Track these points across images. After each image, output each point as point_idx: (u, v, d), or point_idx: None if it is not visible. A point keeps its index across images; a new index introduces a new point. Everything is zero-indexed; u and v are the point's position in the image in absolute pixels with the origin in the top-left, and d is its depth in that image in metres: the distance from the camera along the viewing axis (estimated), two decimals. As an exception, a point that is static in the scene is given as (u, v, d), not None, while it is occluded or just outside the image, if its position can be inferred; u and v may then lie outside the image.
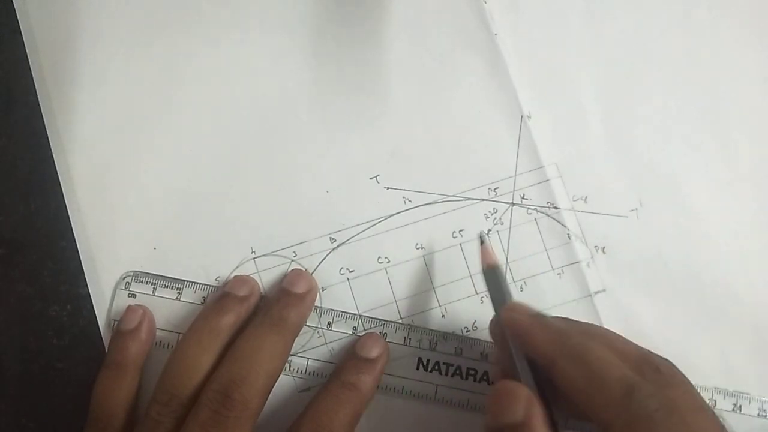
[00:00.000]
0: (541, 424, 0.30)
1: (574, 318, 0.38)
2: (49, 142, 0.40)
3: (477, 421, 0.38)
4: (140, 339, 0.38)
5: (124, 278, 0.39)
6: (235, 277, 0.39)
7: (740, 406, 0.38)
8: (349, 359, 0.38)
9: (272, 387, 0.36)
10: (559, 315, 0.38)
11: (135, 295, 0.39)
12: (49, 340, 0.39)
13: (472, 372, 0.38)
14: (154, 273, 0.39)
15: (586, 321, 0.38)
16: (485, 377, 0.38)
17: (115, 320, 0.39)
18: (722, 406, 0.38)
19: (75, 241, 0.39)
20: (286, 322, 0.37)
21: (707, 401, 0.38)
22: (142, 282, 0.39)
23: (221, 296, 0.38)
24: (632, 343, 0.33)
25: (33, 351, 0.39)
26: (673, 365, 0.32)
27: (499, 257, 0.40)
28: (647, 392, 0.28)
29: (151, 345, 0.38)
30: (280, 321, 0.36)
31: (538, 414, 0.30)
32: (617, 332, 0.38)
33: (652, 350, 0.38)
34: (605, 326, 0.39)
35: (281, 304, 0.37)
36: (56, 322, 0.39)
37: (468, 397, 0.38)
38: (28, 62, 0.40)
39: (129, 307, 0.38)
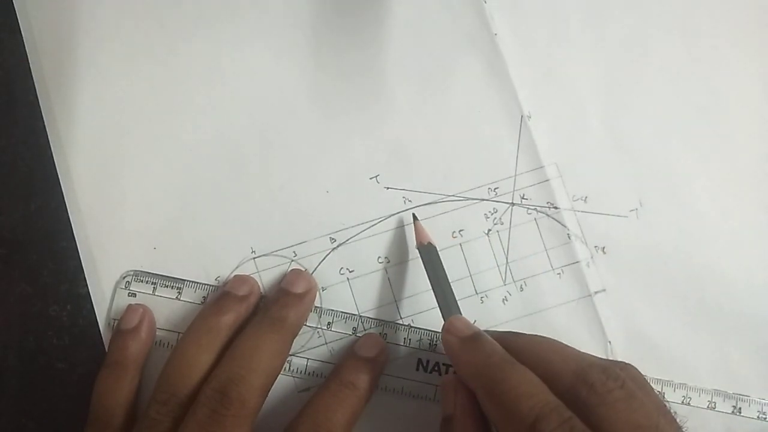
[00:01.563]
0: (466, 416, 0.33)
1: (573, 318, 0.39)
2: (49, 142, 0.40)
3: None
4: (140, 338, 0.38)
5: (125, 278, 0.39)
6: (234, 276, 0.39)
7: (740, 409, 0.38)
8: (348, 359, 0.38)
9: (271, 386, 0.36)
10: (559, 315, 0.39)
11: (135, 295, 0.39)
12: (49, 340, 0.39)
13: (473, 372, 0.39)
14: (155, 272, 0.39)
15: (591, 319, 0.39)
16: None
17: (115, 320, 0.39)
18: (722, 408, 0.38)
19: (75, 241, 0.39)
20: (285, 321, 0.37)
21: (706, 404, 0.38)
22: (142, 281, 0.39)
23: (221, 296, 0.38)
24: (575, 358, 0.32)
25: (33, 351, 0.39)
26: (619, 376, 0.30)
27: (500, 257, 0.40)
28: (555, 423, 0.28)
29: (152, 344, 0.38)
30: (279, 321, 0.36)
31: (462, 408, 0.33)
32: (617, 332, 0.38)
33: (651, 349, 0.39)
34: (605, 326, 0.39)
35: (280, 303, 0.37)
36: (56, 322, 0.39)
37: (468, 398, 0.38)
38: (28, 62, 0.40)
39: (129, 307, 0.38)
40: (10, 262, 0.40)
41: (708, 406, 0.38)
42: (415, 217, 0.39)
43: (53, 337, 0.39)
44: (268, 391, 0.35)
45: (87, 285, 0.39)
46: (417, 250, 0.39)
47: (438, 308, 0.37)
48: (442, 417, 0.34)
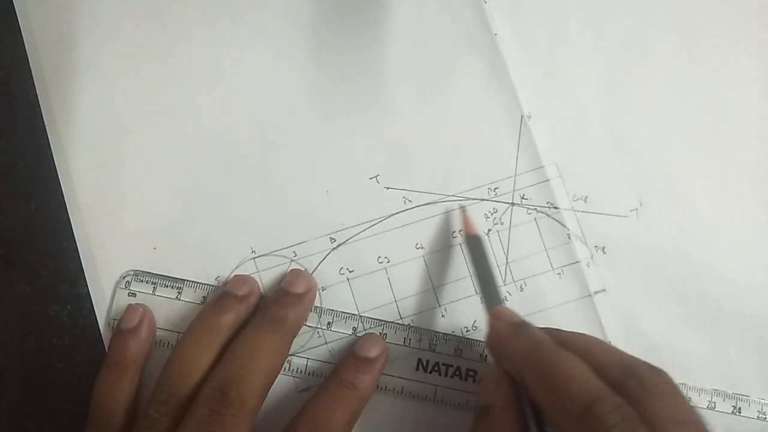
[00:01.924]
0: (506, 408, 0.32)
1: (573, 318, 0.39)
2: (49, 142, 0.40)
3: None
4: (140, 338, 0.38)
5: (125, 277, 0.39)
6: (234, 276, 0.39)
7: (740, 409, 0.38)
8: (348, 359, 0.38)
9: (270, 386, 0.36)
10: (559, 315, 0.39)
11: (135, 295, 0.39)
12: (49, 340, 0.39)
13: (472, 373, 0.38)
14: (155, 272, 0.39)
15: (591, 319, 0.38)
16: None
17: (115, 319, 0.39)
18: (721, 409, 0.38)
19: (75, 240, 0.39)
20: (285, 321, 0.37)
21: (706, 404, 0.38)
22: (142, 281, 0.39)
23: (221, 295, 0.38)
24: (619, 353, 0.32)
25: (33, 351, 0.39)
26: (662, 374, 0.31)
27: (500, 257, 0.40)
28: (611, 407, 0.28)
29: (152, 344, 0.38)
30: (278, 320, 0.37)
31: (504, 399, 0.32)
32: (617, 332, 0.38)
33: (651, 349, 0.39)
34: (605, 326, 0.39)
35: (280, 303, 0.37)
36: (56, 322, 0.39)
37: (467, 399, 0.38)
38: (28, 62, 0.40)
39: (129, 306, 0.38)
40: (10, 262, 0.40)
41: (708, 406, 0.38)
42: (463, 209, 0.39)
43: (53, 337, 0.39)
44: (268, 390, 0.35)
45: (87, 285, 0.39)
46: (420, 249, 0.39)
47: (481, 300, 0.38)
48: (477, 407, 0.34)
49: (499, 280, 0.38)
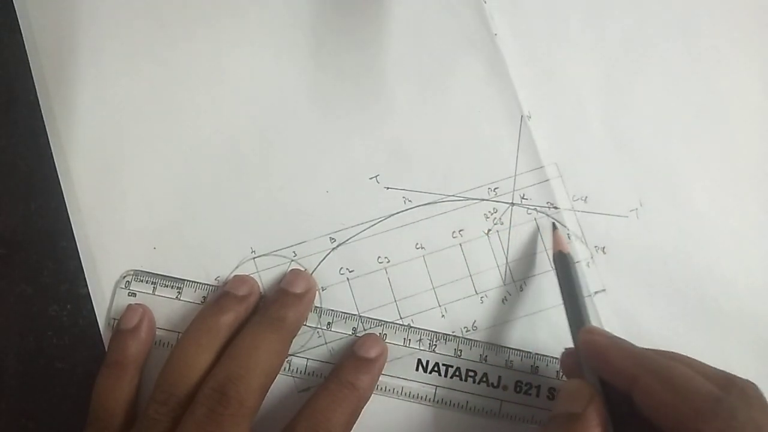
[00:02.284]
0: (598, 419, 0.32)
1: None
2: (49, 142, 0.40)
3: (476, 423, 0.38)
4: (140, 338, 0.38)
5: (125, 277, 0.39)
6: (234, 276, 0.39)
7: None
8: (347, 359, 0.38)
9: (269, 386, 0.36)
10: (559, 315, 0.39)
11: (135, 294, 0.39)
12: (49, 340, 0.39)
13: (472, 374, 0.38)
14: (155, 272, 0.39)
15: (591, 319, 0.38)
16: (484, 379, 0.38)
17: (115, 319, 0.39)
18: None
19: (75, 240, 0.39)
20: (284, 321, 0.37)
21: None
22: (142, 281, 0.39)
23: (220, 295, 0.38)
24: (713, 367, 0.32)
25: (33, 351, 0.39)
26: (757, 388, 0.31)
27: (500, 257, 0.40)
28: (736, 404, 0.29)
29: (151, 344, 0.38)
30: (277, 320, 0.37)
31: (596, 410, 0.32)
32: (617, 332, 0.38)
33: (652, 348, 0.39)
34: (605, 326, 0.39)
35: (279, 303, 0.37)
36: (56, 322, 0.39)
37: (467, 399, 0.38)
38: (28, 62, 0.40)
39: (129, 306, 0.38)
40: (10, 262, 0.40)
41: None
42: (554, 226, 0.40)
43: (53, 337, 0.39)
44: (267, 390, 0.36)
45: (87, 285, 0.39)
46: (420, 249, 0.39)
47: (567, 321, 0.37)
48: (558, 414, 0.33)
49: (584, 299, 0.37)
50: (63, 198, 0.40)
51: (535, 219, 0.40)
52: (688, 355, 0.33)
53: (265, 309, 0.37)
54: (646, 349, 0.33)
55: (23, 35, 0.41)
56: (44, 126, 0.40)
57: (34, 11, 0.41)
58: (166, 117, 0.40)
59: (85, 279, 0.39)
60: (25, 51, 0.41)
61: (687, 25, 0.42)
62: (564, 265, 0.38)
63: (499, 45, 0.41)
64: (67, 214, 0.39)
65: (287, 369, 0.39)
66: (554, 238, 0.39)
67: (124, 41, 0.41)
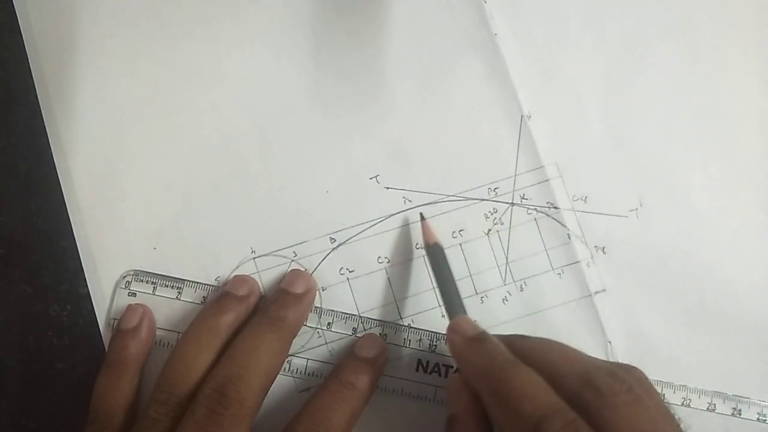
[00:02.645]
0: (469, 419, 0.33)
1: (573, 318, 0.39)
2: (49, 142, 0.40)
3: None
4: (140, 338, 0.38)
5: (125, 277, 0.39)
6: (234, 276, 0.39)
7: (740, 410, 0.38)
8: (347, 359, 0.38)
9: (269, 386, 0.36)
10: (559, 315, 0.39)
11: (135, 294, 0.39)
12: (49, 340, 0.39)
13: (472, 373, 0.39)
14: (155, 272, 0.39)
15: (591, 319, 0.39)
16: None
17: (115, 319, 0.39)
18: (722, 410, 0.38)
19: (75, 240, 0.39)
20: (284, 321, 0.37)
21: (706, 405, 0.38)
22: (142, 281, 0.39)
23: (220, 296, 0.38)
24: (581, 360, 0.32)
25: (33, 351, 0.39)
26: (625, 381, 0.30)
27: (500, 257, 0.40)
28: (559, 424, 0.28)
29: (152, 344, 0.38)
30: (277, 321, 0.37)
31: (465, 409, 0.33)
32: (617, 332, 0.38)
33: (651, 349, 0.39)
34: (605, 326, 0.39)
35: (279, 303, 0.37)
36: (56, 322, 0.39)
37: (468, 399, 0.38)
38: (28, 62, 0.40)
39: (129, 306, 0.38)
40: (10, 262, 0.40)
41: (708, 408, 0.38)
42: (422, 216, 0.39)
43: (53, 337, 0.39)
44: (267, 391, 0.36)
45: (87, 285, 0.39)
46: (420, 249, 0.39)
47: (443, 308, 0.37)
48: (447, 416, 0.34)
49: (459, 289, 0.38)
50: (63, 198, 0.40)
51: (535, 219, 0.40)
52: (562, 345, 0.33)
53: (265, 309, 0.37)
54: (514, 339, 0.34)
55: (23, 35, 0.41)
56: (44, 126, 0.40)
57: (34, 11, 0.41)
58: (166, 117, 0.40)
59: (85, 279, 0.39)
60: (25, 51, 0.40)
61: (687, 25, 0.42)
62: (435, 256, 0.38)
63: (499, 45, 0.41)
64: (67, 214, 0.39)
65: (287, 369, 0.39)
66: (423, 229, 0.39)
67: (124, 41, 0.41)
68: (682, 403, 0.38)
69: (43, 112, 0.40)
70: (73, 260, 0.39)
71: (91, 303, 0.39)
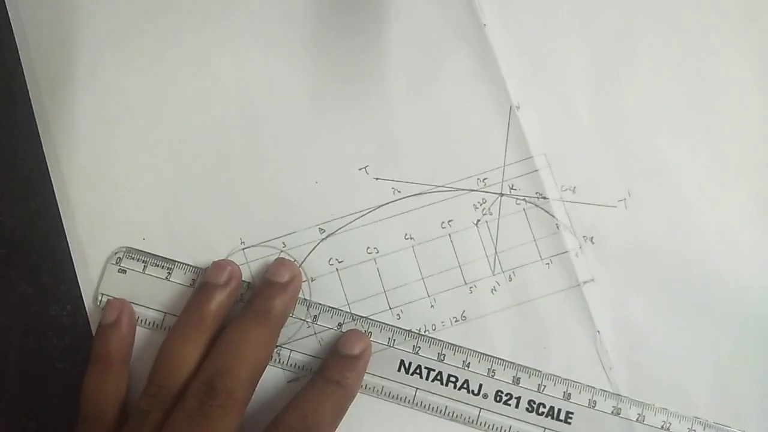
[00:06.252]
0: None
1: (562, 308, 0.39)
2: (39, 133, 0.40)
3: (453, 428, 0.38)
4: (121, 331, 0.38)
5: (116, 253, 0.39)
6: (212, 264, 0.39)
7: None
8: (332, 357, 0.38)
9: (258, 378, 0.36)
10: (547, 305, 0.39)
11: (125, 271, 0.39)
12: (49, 340, 0.39)
13: (453, 379, 0.38)
14: (147, 251, 0.39)
15: (580, 309, 0.39)
16: (465, 385, 0.38)
17: (103, 294, 0.39)
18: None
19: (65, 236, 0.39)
20: (270, 312, 0.37)
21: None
22: (133, 259, 0.39)
23: (201, 286, 0.38)
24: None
25: (33, 351, 0.39)
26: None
27: (489, 247, 0.40)
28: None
29: (133, 337, 0.38)
30: (263, 312, 0.37)
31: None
32: (606, 322, 0.38)
33: (639, 339, 0.39)
34: (594, 316, 0.39)
35: (264, 295, 0.38)
36: (56, 322, 0.39)
37: (446, 404, 0.38)
38: (18, 55, 0.40)
39: (108, 301, 0.38)
40: (10, 262, 0.39)
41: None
42: None
43: (53, 337, 0.39)
44: (256, 382, 0.36)
45: (76, 274, 0.39)
46: (409, 240, 0.39)
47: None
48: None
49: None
50: (53, 190, 0.40)
51: (524, 209, 0.40)
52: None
53: (250, 301, 0.38)
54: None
55: (13, 28, 0.41)
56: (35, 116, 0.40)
57: (26, 8, 0.41)
58: (155, 108, 0.40)
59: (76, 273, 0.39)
60: (16, 44, 0.41)
61: (676, 16, 0.42)
62: None
63: (488, 36, 0.41)
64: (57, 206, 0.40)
65: (276, 360, 0.39)
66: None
67: (115, 32, 0.41)
68: (662, 427, 0.38)
69: (32, 101, 0.40)
70: (73, 260, 0.39)
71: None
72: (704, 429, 0.38)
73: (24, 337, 0.39)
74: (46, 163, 0.40)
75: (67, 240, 0.39)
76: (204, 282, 0.38)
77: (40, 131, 0.40)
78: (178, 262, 0.39)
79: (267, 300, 0.37)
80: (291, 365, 0.39)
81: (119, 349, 0.38)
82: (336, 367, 0.37)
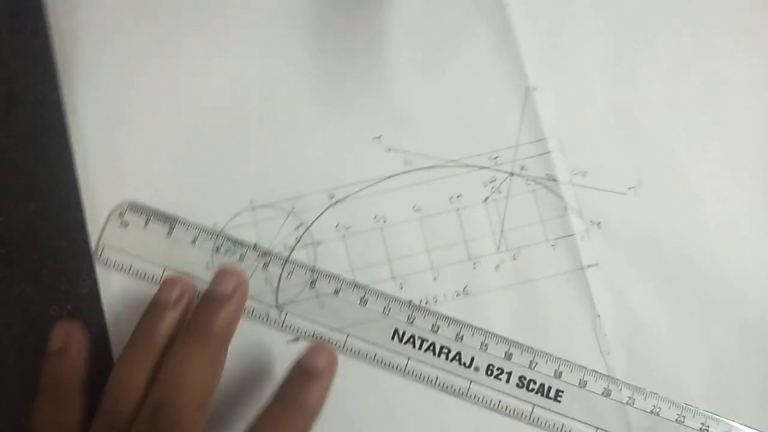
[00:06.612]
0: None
1: (564, 290, 0.39)
2: (60, 95, 0.40)
3: (441, 399, 0.39)
4: (70, 357, 0.36)
5: (120, 207, 0.39)
6: (163, 280, 0.36)
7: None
8: (293, 372, 0.34)
9: (209, 400, 0.33)
10: (550, 286, 0.39)
11: (128, 225, 0.39)
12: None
13: (445, 350, 0.38)
14: (151, 206, 0.39)
15: (582, 292, 0.39)
16: (457, 357, 0.38)
17: (105, 246, 0.39)
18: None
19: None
20: (213, 330, 0.34)
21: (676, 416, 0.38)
22: (136, 213, 0.39)
23: (151, 304, 0.36)
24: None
25: (33, 351, 0.38)
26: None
27: (495, 225, 0.40)
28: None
29: (85, 362, 0.36)
30: (205, 331, 0.34)
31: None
32: (607, 307, 0.38)
33: (639, 326, 0.39)
34: (595, 300, 0.39)
35: (205, 311, 0.35)
36: (56, 322, 0.38)
37: (437, 375, 0.38)
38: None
39: (55, 327, 0.36)
40: (10, 262, 0.39)
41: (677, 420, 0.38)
42: None
43: None
44: (208, 405, 0.33)
45: (89, 244, 0.39)
46: (417, 212, 0.40)
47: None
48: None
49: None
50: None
51: (533, 190, 0.40)
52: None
53: (192, 318, 0.35)
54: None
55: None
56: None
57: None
58: (174, 65, 0.41)
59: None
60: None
61: (695, 10, 0.42)
62: None
63: (510, 16, 0.41)
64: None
65: (276, 321, 0.39)
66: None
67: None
68: (652, 411, 0.38)
69: (55, 49, 0.40)
70: (74, 260, 0.39)
71: (91, 303, 0.39)
72: (693, 416, 0.38)
73: (24, 337, 0.39)
74: (46, 163, 0.40)
75: (81, 199, 0.39)
76: (154, 300, 0.36)
77: (60, 80, 0.40)
78: (181, 218, 0.39)
79: (209, 317, 0.34)
80: (290, 327, 0.39)
81: (69, 377, 0.35)
82: (297, 385, 0.33)
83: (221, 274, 0.36)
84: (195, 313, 0.35)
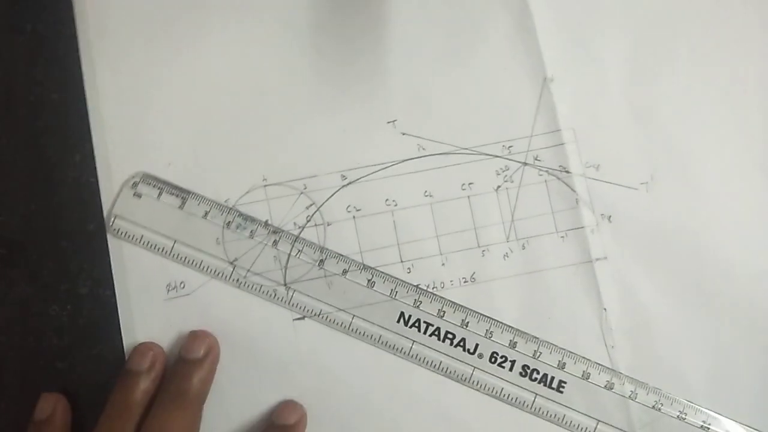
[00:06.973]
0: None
1: (572, 282, 0.39)
2: (81, 72, 0.40)
3: (444, 383, 0.39)
4: (55, 426, 0.37)
5: (133, 177, 0.39)
6: (134, 349, 0.38)
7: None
8: (266, 429, 0.37)
9: None
10: (558, 277, 0.39)
11: (140, 196, 0.39)
12: (49, 340, 0.39)
13: (450, 336, 0.39)
14: (164, 179, 0.40)
15: (589, 284, 0.39)
16: (461, 343, 0.39)
17: (116, 216, 0.39)
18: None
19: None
20: (188, 393, 0.36)
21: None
22: (149, 185, 0.39)
23: (124, 375, 0.37)
24: None
25: (33, 351, 0.39)
26: None
27: (506, 214, 0.40)
28: None
29: (68, 429, 0.37)
30: (181, 394, 0.36)
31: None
32: (614, 301, 0.38)
33: (645, 321, 0.39)
34: (602, 293, 0.39)
35: (179, 375, 0.37)
36: (56, 322, 0.39)
37: (441, 359, 0.39)
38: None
39: (42, 396, 0.37)
40: (10, 262, 0.39)
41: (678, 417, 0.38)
42: None
43: (53, 337, 0.39)
44: None
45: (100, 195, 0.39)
46: (428, 197, 0.40)
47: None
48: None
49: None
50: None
51: (545, 181, 0.40)
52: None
53: (167, 383, 0.37)
54: None
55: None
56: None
57: None
58: (194, 44, 0.41)
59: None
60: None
61: (716, 12, 0.42)
62: None
63: (531, 5, 0.41)
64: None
65: (283, 299, 0.39)
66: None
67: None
68: (653, 406, 0.38)
69: (76, 17, 0.40)
70: (73, 260, 0.39)
71: (91, 303, 0.39)
72: (695, 413, 0.38)
73: (24, 337, 0.39)
74: (46, 163, 0.40)
75: (98, 186, 0.40)
76: (126, 369, 0.37)
77: (80, 50, 0.40)
78: (193, 192, 0.40)
79: (183, 381, 0.36)
80: (297, 305, 0.39)
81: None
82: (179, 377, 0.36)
83: (192, 338, 0.38)
84: (171, 377, 0.37)
